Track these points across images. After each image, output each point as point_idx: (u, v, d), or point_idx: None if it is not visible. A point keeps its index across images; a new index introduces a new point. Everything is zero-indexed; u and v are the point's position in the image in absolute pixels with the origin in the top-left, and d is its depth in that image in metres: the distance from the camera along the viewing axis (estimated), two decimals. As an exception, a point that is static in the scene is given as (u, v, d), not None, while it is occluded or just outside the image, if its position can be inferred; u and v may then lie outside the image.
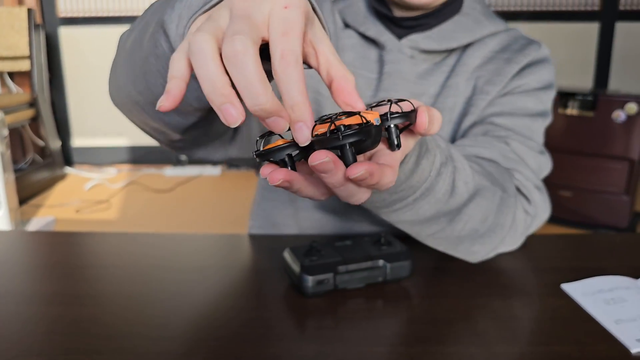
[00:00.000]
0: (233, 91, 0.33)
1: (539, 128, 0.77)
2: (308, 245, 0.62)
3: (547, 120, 0.79)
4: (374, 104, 0.42)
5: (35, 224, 2.54)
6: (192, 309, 0.58)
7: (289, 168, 0.37)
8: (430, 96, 0.77)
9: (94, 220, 2.65)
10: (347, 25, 0.79)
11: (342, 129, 0.35)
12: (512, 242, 0.70)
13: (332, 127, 0.35)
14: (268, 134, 0.38)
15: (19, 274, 0.68)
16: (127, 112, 0.59)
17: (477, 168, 0.61)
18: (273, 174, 0.36)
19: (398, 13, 0.76)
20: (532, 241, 0.80)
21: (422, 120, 0.40)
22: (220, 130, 0.65)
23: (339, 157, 0.36)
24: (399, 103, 0.42)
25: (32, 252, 0.76)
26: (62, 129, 3.50)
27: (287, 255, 0.62)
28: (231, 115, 0.32)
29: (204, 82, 0.33)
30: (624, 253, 0.75)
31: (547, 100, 0.78)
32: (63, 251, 0.76)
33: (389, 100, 0.41)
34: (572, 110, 2.43)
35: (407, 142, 0.43)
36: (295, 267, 0.60)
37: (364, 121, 0.36)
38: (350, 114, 0.36)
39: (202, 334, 0.53)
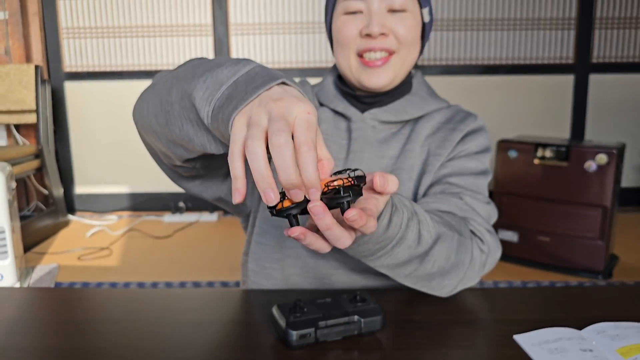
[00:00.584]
0: (274, 181, 0.49)
1: (483, 184, 0.92)
2: (293, 302, 0.69)
3: (488, 177, 0.94)
4: (337, 171, 0.59)
5: (39, 271, 2.59)
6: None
7: (296, 222, 0.54)
8: (390, 158, 0.92)
9: (95, 266, 2.70)
10: (321, 104, 0.97)
11: (342, 191, 0.53)
12: (472, 276, 0.83)
13: (331, 187, 0.54)
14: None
15: (23, 330, 0.73)
16: (144, 134, 0.74)
17: (437, 219, 0.76)
18: (292, 230, 0.53)
19: (359, 92, 0.94)
20: (492, 294, 0.87)
21: (376, 181, 0.57)
22: (215, 167, 0.80)
23: (336, 207, 0.53)
24: (354, 170, 0.59)
25: (35, 308, 0.81)
26: (66, 177, 3.56)
27: (274, 311, 0.69)
28: (270, 197, 0.49)
29: (255, 173, 0.48)
30: (571, 305, 0.82)
31: (485, 161, 0.94)
32: (64, 307, 0.80)
33: (346, 170, 0.58)
34: (547, 160, 2.50)
35: (379, 202, 0.59)
36: (282, 322, 0.66)
37: (353, 183, 0.54)
38: (335, 179, 0.55)
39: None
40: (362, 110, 0.94)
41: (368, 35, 0.87)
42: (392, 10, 0.88)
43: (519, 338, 0.71)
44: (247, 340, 0.70)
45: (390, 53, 0.89)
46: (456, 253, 0.77)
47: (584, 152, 2.41)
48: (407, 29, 0.88)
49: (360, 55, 0.89)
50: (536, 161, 2.52)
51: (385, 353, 0.68)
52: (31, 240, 2.92)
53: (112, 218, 3.48)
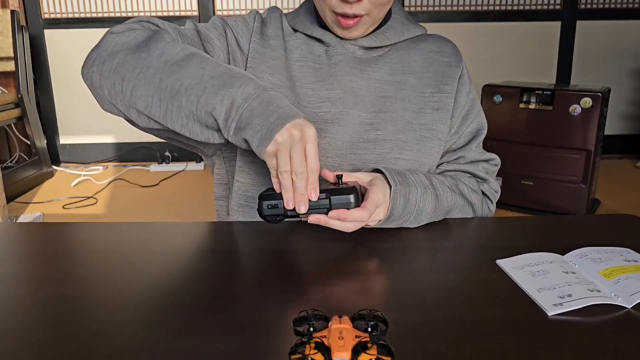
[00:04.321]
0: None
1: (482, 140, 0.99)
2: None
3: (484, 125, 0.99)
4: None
5: (22, 220, 2.59)
6: (169, 285, 0.66)
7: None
8: (379, 81, 0.91)
9: (80, 214, 2.71)
10: (295, 30, 0.94)
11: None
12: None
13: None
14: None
15: (9, 260, 0.74)
16: (110, 99, 0.79)
17: (455, 190, 0.88)
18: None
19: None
20: (474, 223, 0.89)
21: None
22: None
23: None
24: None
25: (22, 241, 0.82)
26: (49, 127, 3.51)
27: (259, 196, 0.74)
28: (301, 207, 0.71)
29: (293, 193, 0.72)
30: (553, 233, 0.84)
31: (478, 102, 0.98)
32: (50, 239, 0.82)
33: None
34: (532, 105, 2.51)
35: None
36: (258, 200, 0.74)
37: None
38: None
39: (176, 306, 0.61)
40: (341, 38, 0.91)
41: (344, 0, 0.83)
42: None
43: (501, 262, 0.72)
44: (229, 267, 0.72)
45: (362, 15, 0.85)
46: (473, 214, 0.92)
47: (569, 96, 2.42)
48: None
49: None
50: (522, 105, 2.53)
51: (372, 277, 0.69)
52: (14, 191, 2.90)
53: (97, 168, 3.45)
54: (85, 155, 3.58)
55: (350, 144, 0.89)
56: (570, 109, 2.42)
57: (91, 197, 2.95)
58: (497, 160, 1.00)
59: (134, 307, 0.61)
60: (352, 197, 0.72)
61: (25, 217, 2.63)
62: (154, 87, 0.74)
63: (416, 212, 0.81)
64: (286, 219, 0.75)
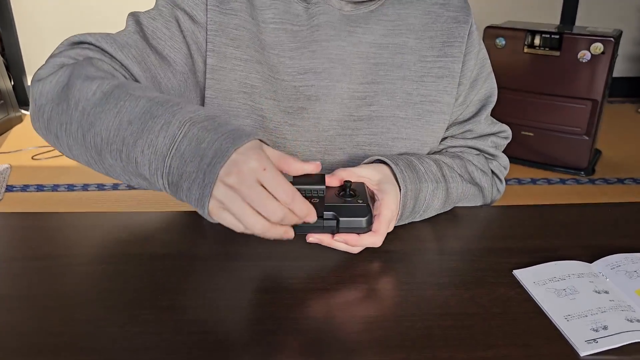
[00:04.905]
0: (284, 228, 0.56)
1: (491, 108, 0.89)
2: None
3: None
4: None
5: None
6: (119, 313, 0.57)
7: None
8: (371, 45, 0.78)
9: (51, 167, 2.59)
10: None
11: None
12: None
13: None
14: None
15: None
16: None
17: (464, 175, 0.81)
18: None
19: None
20: (486, 216, 0.83)
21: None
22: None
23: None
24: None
25: None
26: (15, 68, 3.35)
27: None
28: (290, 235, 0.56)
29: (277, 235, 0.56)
30: (577, 229, 0.75)
31: (489, 65, 0.88)
32: (15, 237, 0.74)
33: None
34: (538, 49, 2.40)
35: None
36: None
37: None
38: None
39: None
40: None
41: None
42: None
43: (519, 274, 0.65)
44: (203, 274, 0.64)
45: None
46: (482, 200, 0.86)
47: (579, 41, 2.31)
48: None
49: None
50: (526, 50, 2.42)
51: (364, 296, 0.61)
52: (-20, 138, 2.78)
53: (68, 112, 3.30)
54: (56, 97, 3.43)
55: (339, 123, 0.78)
56: (579, 55, 2.30)
57: (62, 145, 2.81)
58: (508, 132, 0.90)
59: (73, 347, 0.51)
60: (364, 221, 0.60)
61: (-9, 169, 2.50)
62: (81, 145, 0.63)
63: (423, 209, 0.75)
64: None
